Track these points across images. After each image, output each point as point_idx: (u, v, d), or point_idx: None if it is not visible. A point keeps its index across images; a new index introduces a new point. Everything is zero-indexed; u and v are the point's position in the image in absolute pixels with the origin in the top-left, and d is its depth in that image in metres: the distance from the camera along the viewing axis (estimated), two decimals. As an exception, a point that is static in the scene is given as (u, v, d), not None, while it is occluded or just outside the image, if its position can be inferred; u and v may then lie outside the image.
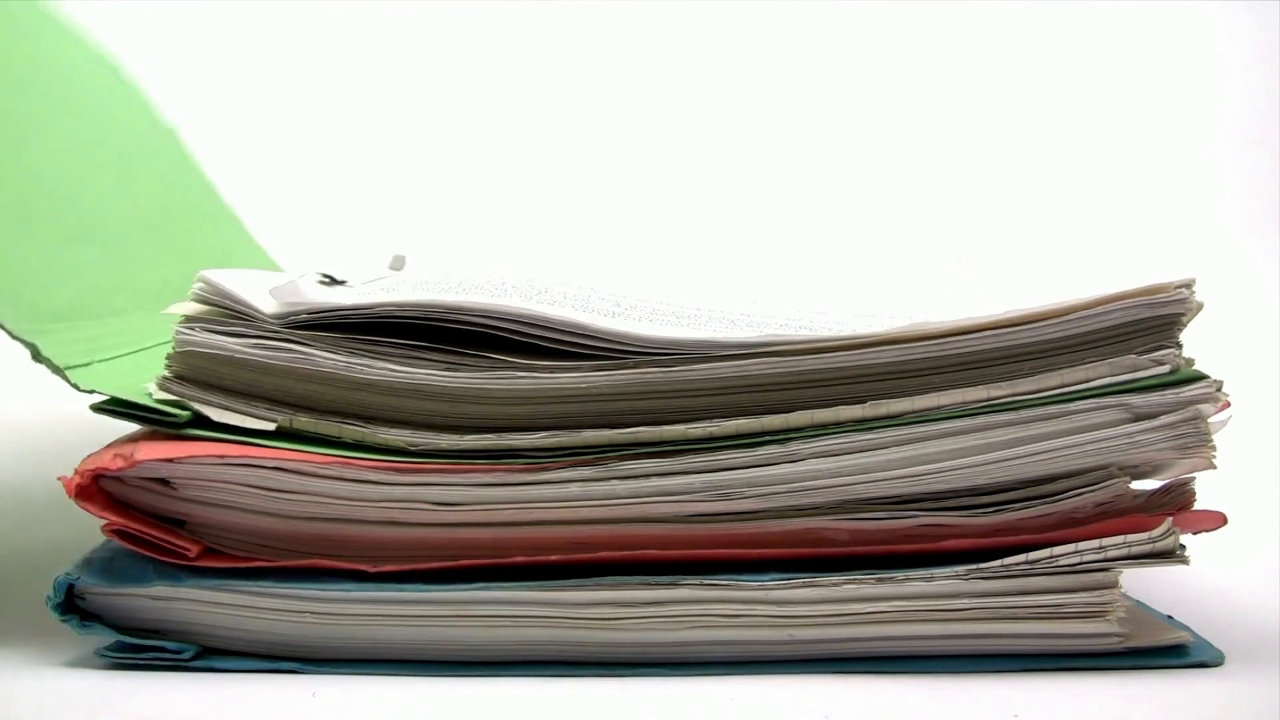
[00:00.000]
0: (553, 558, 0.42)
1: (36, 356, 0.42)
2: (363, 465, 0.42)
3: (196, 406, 0.42)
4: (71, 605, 0.42)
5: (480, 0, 1.11)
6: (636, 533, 0.42)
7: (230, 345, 0.42)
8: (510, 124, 1.09)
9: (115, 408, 0.42)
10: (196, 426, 0.42)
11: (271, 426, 0.42)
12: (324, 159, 1.07)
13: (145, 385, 0.43)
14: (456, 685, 0.41)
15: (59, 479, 0.41)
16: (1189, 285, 0.42)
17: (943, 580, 0.41)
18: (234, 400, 0.43)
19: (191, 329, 0.43)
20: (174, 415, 0.42)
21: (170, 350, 0.43)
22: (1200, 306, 0.42)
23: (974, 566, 0.41)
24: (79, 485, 0.41)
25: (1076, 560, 0.41)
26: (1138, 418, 0.41)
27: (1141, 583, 0.45)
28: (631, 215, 1.05)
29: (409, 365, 0.42)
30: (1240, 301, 0.94)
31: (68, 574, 0.42)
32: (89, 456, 0.42)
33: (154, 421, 0.42)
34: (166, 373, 0.43)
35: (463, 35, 1.12)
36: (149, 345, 0.47)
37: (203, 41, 1.11)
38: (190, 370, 0.43)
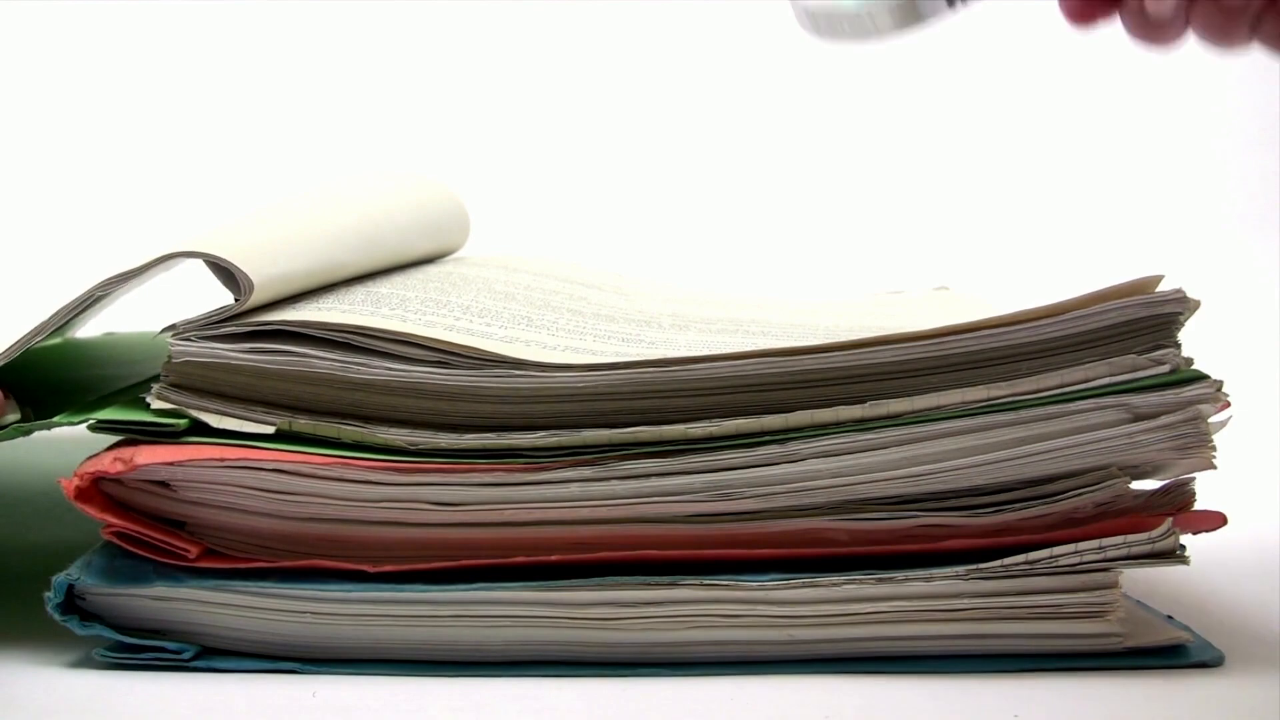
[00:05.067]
0: (553, 558, 0.42)
1: (30, 420, 0.43)
2: (362, 465, 0.42)
3: (195, 414, 0.42)
4: (71, 605, 0.42)
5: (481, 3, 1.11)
6: (636, 533, 0.42)
7: (225, 351, 0.42)
8: (508, 133, 1.09)
9: (113, 422, 0.42)
10: (195, 433, 0.42)
11: (270, 430, 0.42)
12: (324, 159, 1.07)
13: (143, 395, 0.43)
14: (456, 685, 0.41)
15: (58, 481, 0.41)
16: (1180, 291, 0.41)
17: (943, 580, 0.41)
18: (232, 405, 0.43)
19: (186, 338, 0.43)
20: (172, 425, 0.42)
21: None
22: (1198, 305, 0.42)
23: (974, 566, 0.41)
24: (78, 488, 0.41)
25: (1076, 560, 0.41)
26: (1138, 418, 0.41)
27: (1141, 583, 0.45)
28: (618, 236, 1.05)
29: (404, 363, 0.42)
30: (1240, 301, 0.94)
31: (68, 574, 0.42)
32: (88, 459, 0.42)
33: (152, 433, 0.42)
34: (163, 382, 0.43)
35: (462, 38, 1.12)
36: (140, 379, 0.48)
37: (195, 41, 1.11)
38: (187, 379, 0.43)
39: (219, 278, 0.44)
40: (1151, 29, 0.46)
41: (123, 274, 0.43)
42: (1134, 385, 0.41)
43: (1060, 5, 0.47)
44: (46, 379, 0.45)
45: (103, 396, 0.44)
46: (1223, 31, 0.45)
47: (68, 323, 0.44)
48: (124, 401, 0.44)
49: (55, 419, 0.43)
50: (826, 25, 0.49)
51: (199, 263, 0.44)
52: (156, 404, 0.43)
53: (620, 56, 1.12)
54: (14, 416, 0.44)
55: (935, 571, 0.41)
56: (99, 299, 0.43)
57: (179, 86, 1.12)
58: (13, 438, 0.43)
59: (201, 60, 1.12)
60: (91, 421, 0.42)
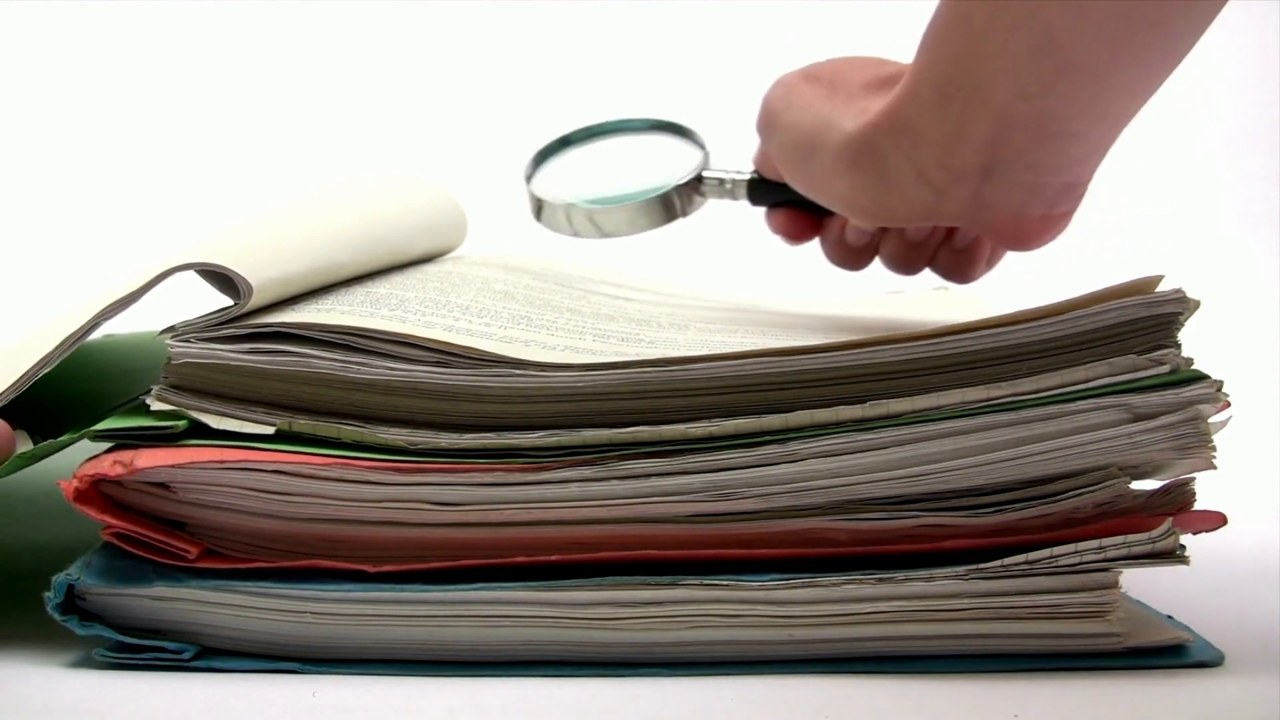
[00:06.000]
0: (553, 558, 0.42)
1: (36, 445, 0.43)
2: (362, 465, 0.42)
3: (194, 415, 0.42)
4: (71, 605, 0.42)
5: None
6: (636, 533, 0.42)
7: (225, 352, 0.42)
8: (506, 133, 1.09)
9: (113, 430, 0.42)
10: (195, 435, 0.42)
11: (270, 430, 0.42)
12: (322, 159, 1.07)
13: (143, 398, 0.43)
14: (456, 685, 0.41)
15: (58, 484, 0.41)
16: (1180, 291, 0.42)
17: (943, 580, 0.41)
18: (231, 406, 0.43)
19: (186, 340, 0.43)
20: (171, 427, 0.42)
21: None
22: (1198, 305, 0.42)
23: (974, 566, 0.41)
24: (77, 490, 0.41)
25: (1076, 560, 0.41)
26: (1138, 418, 0.41)
27: (1141, 583, 0.45)
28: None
29: (404, 363, 0.42)
30: (1240, 301, 0.94)
31: (68, 574, 0.42)
32: (88, 461, 0.42)
33: (152, 437, 0.42)
34: (163, 383, 0.43)
35: (460, 39, 1.12)
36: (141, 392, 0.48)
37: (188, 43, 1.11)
38: (186, 380, 0.43)
39: (215, 285, 0.44)
40: (846, 254, 0.56)
41: (122, 299, 0.43)
42: (1134, 385, 0.41)
43: (771, 224, 0.56)
44: (48, 396, 0.45)
45: (105, 411, 0.44)
46: (905, 261, 0.55)
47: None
48: (124, 411, 0.44)
49: (61, 439, 0.43)
50: (543, 215, 0.56)
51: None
52: (156, 405, 0.43)
53: (618, 55, 1.12)
54: (25, 447, 0.44)
55: (935, 571, 0.41)
56: (99, 325, 0.43)
57: (178, 87, 1.12)
58: (20, 468, 0.43)
59: (200, 61, 1.12)
60: (92, 432, 0.42)
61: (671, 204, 0.58)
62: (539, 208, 0.59)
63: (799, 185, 0.52)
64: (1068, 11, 0.41)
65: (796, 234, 0.56)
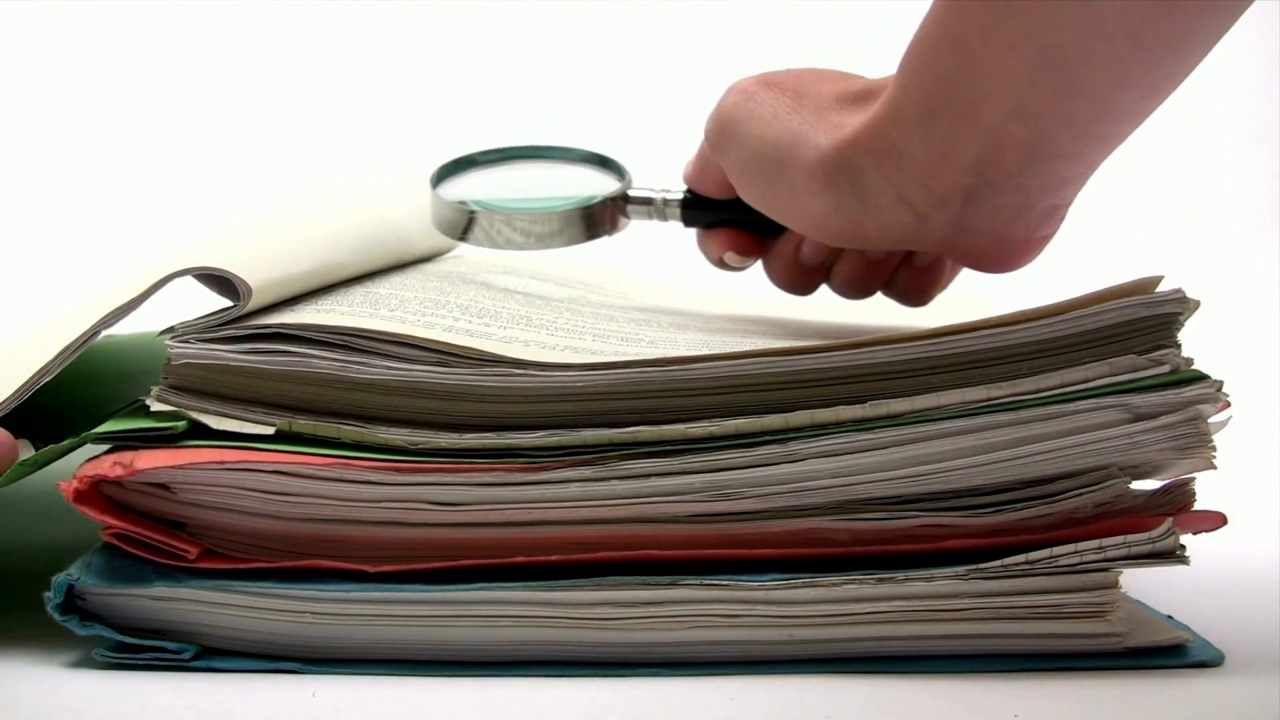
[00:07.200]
0: (553, 558, 0.42)
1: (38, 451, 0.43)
2: (362, 466, 0.42)
3: (194, 415, 0.42)
4: (71, 605, 0.42)
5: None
6: (636, 533, 0.42)
7: (224, 353, 0.42)
8: (504, 133, 1.09)
9: (114, 433, 0.42)
10: (195, 435, 0.42)
11: (270, 430, 0.42)
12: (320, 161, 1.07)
13: (143, 398, 0.43)
14: (456, 685, 0.41)
15: (58, 484, 0.41)
16: (1180, 291, 0.42)
17: (943, 580, 0.41)
18: (231, 407, 0.43)
19: (185, 341, 0.43)
20: (171, 428, 0.42)
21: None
22: (1198, 305, 0.42)
23: (974, 566, 0.41)
24: (77, 491, 0.41)
25: (1076, 560, 0.41)
26: (1138, 418, 0.41)
27: (1141, 583, 0.45)
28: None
29: (404, 362, 0.42)
30: (1240, 301, 0.94)
31: (68, 574, 0.42)
32: (88, 462, 0.42)
33: (152, 438, 0.42)
34: (163, 384, 0.43)
35: (459, 38, 1.12)
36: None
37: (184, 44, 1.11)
38: (186, 380, 0.43)
39: (213, 287, 0.44)
40: (797, 276, 0.51)
41: (122, 306, 0.43)
42: (1134, 385, 0.41)
43: (712, 245, 0.52)
44: (47, 400, 0.45)
45: (105, 415, 0.44)
46: (861, 283, 0.50)
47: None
48: (124, 413, 0.44)
49: (62, 445, 0.43)
50: (444, 224, 0.52)
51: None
52: (156, 406, 0.43)
53: (617, 55, 1.12)
54: (26, 454, 0.44)
55: (935, 571, 0.41)
56: (99, 333, 0.43)
57: (177, 88, 1.12)
58: (22, 475, 0.43)
59: (199, 62, 1.12)
60: (92, 436, 0.42)
61: (593, 220, 0.53)
62: (439, 214, 0.54)
63: (757, 202, 0.48)
64: (1077, 29, 0.39)
65: (744, 254, 0.52)
